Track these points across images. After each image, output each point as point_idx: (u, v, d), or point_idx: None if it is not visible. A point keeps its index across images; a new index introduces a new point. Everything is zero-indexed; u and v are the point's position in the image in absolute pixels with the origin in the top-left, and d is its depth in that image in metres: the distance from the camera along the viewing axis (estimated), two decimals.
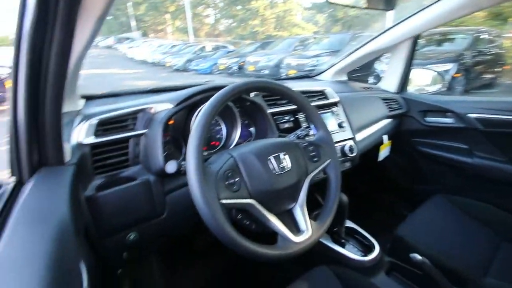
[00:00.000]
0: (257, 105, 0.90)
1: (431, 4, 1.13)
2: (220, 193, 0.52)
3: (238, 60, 9.58)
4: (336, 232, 1.02)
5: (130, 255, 0.70)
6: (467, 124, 1.24)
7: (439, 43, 6.11)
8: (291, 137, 0.81)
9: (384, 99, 1.37)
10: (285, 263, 1.24)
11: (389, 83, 1.50)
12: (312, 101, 1.08)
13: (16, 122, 0.49)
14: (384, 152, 1.36)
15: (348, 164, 1.09)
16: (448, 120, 1.31)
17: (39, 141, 0.52)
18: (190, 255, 1.25)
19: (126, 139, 0.70)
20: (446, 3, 1.10)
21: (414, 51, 1.39)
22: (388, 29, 1.32)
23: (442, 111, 1.33)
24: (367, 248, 0.98)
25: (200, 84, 1.27)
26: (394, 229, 1.03)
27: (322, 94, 1.12)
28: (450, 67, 5.00)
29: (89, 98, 1.04)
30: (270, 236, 0.60)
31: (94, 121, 0.67)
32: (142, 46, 16.52)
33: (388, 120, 1.38)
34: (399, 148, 1.52)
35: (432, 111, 1.37)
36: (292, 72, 7.29)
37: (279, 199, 0.60)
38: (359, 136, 1.16)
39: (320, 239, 0.99)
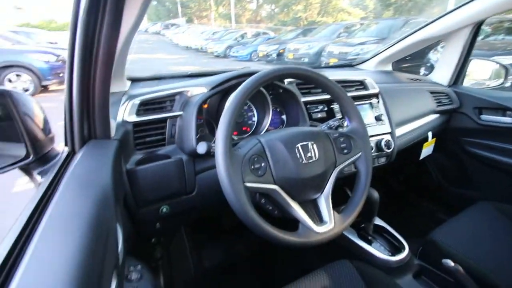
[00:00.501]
0: (290, 93, 0.89)
1: None
2: (245, 176, 0.53)
3: (278, 47, 9.41)
4: (363, 229, 0.99)
5: (162, 226, 0.76)
6: None
7: (510, 31, 5.30)
8: (322, 127, 0.79)
9: (432, 92, 1.25)
10: (308, 253, 1.24)
11: (441, 75, 1.36)
12: (350, 91, 1.03)
13: (71, 100, 0.56)
14: (426, 150, 1.25)
15: (383, 160, 1.03)
16: (507, 120, 1.15)
17: (89, 117, 0.58)
18: (218, 232, 1.32)
19: (164, 120, 0.75)
20: None
21: (474, 40, 1.23)
22: (445, 14, 1.19)
23: (502, 109, 1.17)
24: (395, 249, 0.93)
25: (234, 71, 1.30)
26: (428, 232, 0.97)
27: (361, 84, 1.06)
28: None
29: (134, 80, 1.13)
30: (292, 223, 0.61)
31: (137, 101, 0.72)
32: (186, 32, 17.08)
33: (435, 116, 1.26)
34: (445, 147, 1.39)
35: (489, 108, 1.21)
36: (333, 61, 6.97)
37: (304, 188, 0.60)
38: (399, 131, 1.09)
39: (346, 234, 0.98)
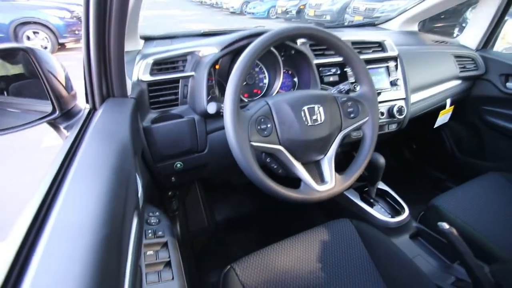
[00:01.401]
0: (303, 54, 0.87)
1: None
2: (252, 135, 0.57)
3: (298, 2, 8.74)
4: (366, 192, 1.03)
5: (177, 180, 0.83)
6: None
7: None
8: (333, 90, 0.78)
9: (457, 57, 1.17)
10: (312, 211, 1.32)
11: (470, 37, 1.26)
12: (367, 53, 0.99)
13: (90, 60, 0.58)
14: (442, 118, 1.22)
15: (394, 127, 1.02)
16: None
17: (106, 76, 0.61)
18: (228, 189, 1.42)
19: (177, 80, 0.77)
20: None
21: None
22: None
23: None
24: (395, 211, 0.98)
25: (248, 30, 1.25)
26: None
27: (379, 46, 1.01)
28: None
29: (147, 39, 1.12)
30: (296, 182, 0.65)
31: (150, 60, 0.74)
32: None
33: (457, 82, 1.20)
34: (464, 115, 1.34)
35: None
36: (358, 18, 6.43)
37: (308, 150, 0.63)
38: (415, 97, 1.06)
39: (349, 196, 1.03)
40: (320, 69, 0.90)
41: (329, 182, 0.64)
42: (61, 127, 0.65)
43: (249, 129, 0.56)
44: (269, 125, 0.59)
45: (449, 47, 1.21)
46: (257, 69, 0.91)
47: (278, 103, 0.62)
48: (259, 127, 0.58)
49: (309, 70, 0.89)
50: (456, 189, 1.03)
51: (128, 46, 0.93)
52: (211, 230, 1.30)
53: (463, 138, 1.42)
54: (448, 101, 1.19)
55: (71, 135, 0.54)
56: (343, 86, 0.78)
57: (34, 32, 4.71)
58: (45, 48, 4.72)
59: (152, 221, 0.62)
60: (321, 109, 0.63)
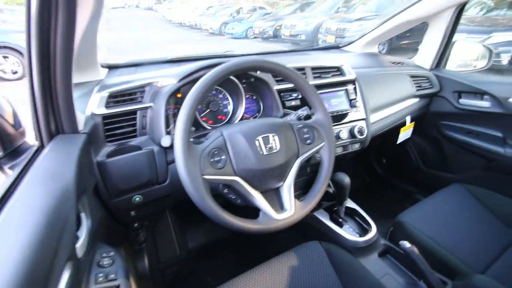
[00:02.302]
0: (263, 81, 0.90)
1: None
2: (204, 169, 0.56)
3: (275, 23, 9.10)
4: (335, 212, 1.04)
5: (137, 213, 0.80)
6: (505, 110, 1.10)
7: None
8: (292, 116, 0.80)
9: (413, 76, 1.25)
10: (284, 235, 1.31)
11: (424, 58, 1.35)
12: (327, 77, 1.03)
13: (34, 94, 0.57)
14: (404, 134, 1.28)
15: (357, 146, 1.06)
16: (484, 104, 1.17)
17: (54, 111, 0.60)
18: (201, 215, 1.38)
19: (134, 111, 0.76)
20: None
21: (457, 22, 1.21)
22: None
23: (480, 93, 1.18)
24: (364, 230, 0.99)
25: (217, 56, 1.28)
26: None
27: (338, 70, 1.06)
28: None
29: (112, 67, 1.12)
30: (256, 211, 0.65)
31: (105, 93, 0.73)
32: (180, 7, 16.38)
33: (415, 100, 1.27)
34: (425, 130, 1.42)
35: (468, 92, 1.22)
36: (331, 38, 6.77)
37: (265, 178, 0.63)
38: (375, 117, 1.10)
39: (319, 217, 1.03)
40: (282, 94, 0.93)
41: (289, 210, 0.64)
42: (6, 167, 0.62)
43: (202, 162, 0.56)
44: (223, 157, 0.59)
45: (405, 68, 1.29)
46: (220, 96, 0.93)
47: (232, 134, 0.62)
48: (212, 160, 0.58)
49: (271, 95, 0.91)
50: (421, 203, 1.06)
51: (87, 77, 0.92)
52: (183, 259, 1.24)
53: (426, 151, 1.49)
54: (408, 118, 1.25)
55: (11, 176, 0.52)
56: (301, 112, 0.80)
57: (4, 57, 4.56)
58: (15, 73, 4.58)
59: (104, 263, 0.59)
60: (276, 137, 0.64)
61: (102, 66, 1.06)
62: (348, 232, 0.97)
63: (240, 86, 0.88)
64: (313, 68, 1.01)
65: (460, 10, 1.17)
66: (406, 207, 1.06)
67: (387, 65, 1.30)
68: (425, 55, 1.34)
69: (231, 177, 0.59)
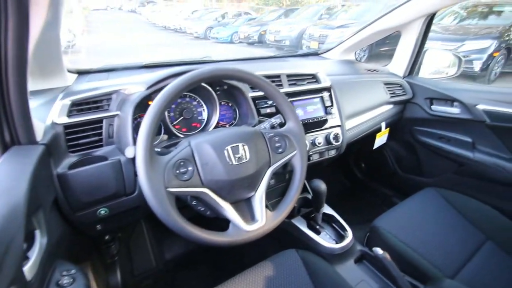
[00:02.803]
0: (237, 88, 0.89)
1: None
2: (169, 181, 0.54)
3: (259, 28, 9.18)
4: (313, 218, 1.03)
5: (105, 227, 0.76)
6: (473, 116, 1.15)
7: (484, 15, 5.43)
8: (265, 124, 0.80)
9: (387, 84, 1.28)
10: (263, 243, 1.29)
11: (397, 66, 1.39)
12: (302, 84, 1.04)
13: None
14: (380, 140, 1.30)
15: (333, 152, 1.07)
16: (454, 110, 1.22)
17: (8, 121, 0.56)
18: None
19: (100, 120, 0.72)
20: None
21: (427, 31, 1.26)
22: (400, 5, 1.20)
23: (450, 100, 1.23)
24: (340, 236, 0.99)
25: (194, 62, 1.25)
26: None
27: (313, 78, 1.07)
28: (489, 44, 4.48)
29: (82, 72, 1.07)
30: (227, 222, 0.63)
31: (68, 101, 0.69)
32: (164, 10, 16.20)
33: (389, 106, 1.30)
34: (400, 136, 1.46)
35: (439, 99, 1.27)
36: (314, 44, 6.91)
37: (235, 189, 0.61)
38: (351, 124, 1.12)
39: (297, 224, 1.02)
40: (257, 101, 0.92)
41: (260, 221, 0.63)
42: None
43: (166, 174, 0.54)
44: (189, 168, 0.57)
45: (379, 75, 1.32)
46: (194, 103, 0.91)
47: (200, 144, 0.60)
48: (178, 172, 0.56)
49: (246, 102, 0.90)
50: (396, 208, 1.08)
51: (52, 83, 0.87)
52: (159, 271, 1.20)
53: (402, 156, 1.53)
54: (383, 124, 1.28)
55: None
56: (274, 120, 0.80)
57: None
58: None
59: (64, 282, 0.55)
60: (245, 147, 0.63)
61: (71, 72, 1.02)
62: (324, 239, 0.97)
63: (214, 93, 0.86)
64: (288, 76, 1.01)
65: (430, 20, 1.21)
66: (385, 211, 1.08)
67: (363, 72, 1.33)
68: (398, 63, 1.38)
69: (199, 188, 0.57)
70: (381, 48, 6.38)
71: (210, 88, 0.85)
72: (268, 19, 10.21)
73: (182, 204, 0.61)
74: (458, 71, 1.41)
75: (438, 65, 1.47)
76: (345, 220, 1.07)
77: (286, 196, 0.68)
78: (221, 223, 0.64)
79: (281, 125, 0.78)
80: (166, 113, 0.83)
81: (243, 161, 0.62)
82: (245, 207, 0.64)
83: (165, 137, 0.83)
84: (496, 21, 5.09)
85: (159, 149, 0.63)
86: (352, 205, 1.67)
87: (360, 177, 1.80)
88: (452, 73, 1.46)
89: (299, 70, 1.05)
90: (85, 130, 0.71)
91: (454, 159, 1.27)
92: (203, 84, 0.84)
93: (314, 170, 1.12)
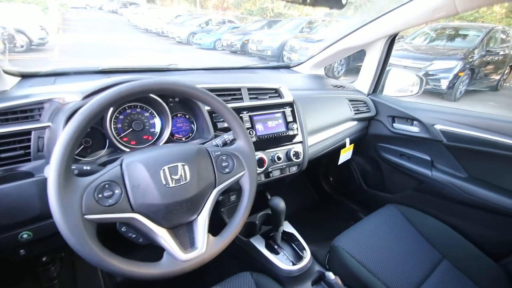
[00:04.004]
0: (192, 100, 0.84)
1: (406, 3, 1.03)
2: (88, 207, 0.48)
3: (242, 37, 9.24)
4: (271, 238, 1.00)
5: (29, 251, 0.68)
6: (431, 136, 1.18)
7: (451, 38, 5.83)
8: (217, 141, 0.75)
9: (351, 100, 1.30)
10: (224, 260, 1.24)
11: (362, 83, 1.42)
12: (264, 98, 1.02)
13: None
14: (344, 156, 1.31)
15: (295, 169, 1.04)
16: (414, 129, 1.25)
17: None
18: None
19: (28, 131, 0.65)
20: (422, 3, 1.00)
21: (390, 51, 1.29)
22: (363, 25, 1.22)
23: (410, 119, 1.26)
24: (299, 257, 0.96)
25: (158, 69, 1.20)
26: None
27: (275, 92, 1.05)
28: (455, 64, 4.80)
29: (26, 76, 0.98)
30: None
31: None
32: (146, 13, 15.91)
33: (353, 123, 1.31)
34: (365, 152, 1.47)
35: (400, 117, 1.30)
36: (295, 56, 7.05)
37: (171, 213, 0.56)
38: (313, 140, 1.11)
39: (255, 244, 0.98)
40: (214, 115, 0.88)
41: (199, 248, 0.58)
42: None
43: (84, 199, 0.48)
44: (116, 191, 0.51)
45: (345, 92, 1.33)
46: (146, 114, 0.85)
47: (132, 163, 0.55)
48: (100, 196, 0.50)
49: (202, 116, 0.86)
50: (356, 226, 1.08)
51: None
52: None
53: (368, 171, 1.54)
54: (347, 140, 1.28)
55: None
56: (227, 136, 0.76)
57: None
58: None
59: None
60: (186, 167, 0.58)
61: (12, 74, 0.93)
62: (282, 260, 0.93)
63: (165, 105, 0.81)
64: (250, 89, 0.99)
65: (391, 41, 1.25)
66: (351, 224, 1.07)
67: (328, 88, 1.33)
68: (363, 81, 1.41)
69: (127, 214, 0.52)
70: (358, 63, 6.66)
71: (160, 100, 0.80)
72: (251, 28, 10.32)
73: (110, 231, 0.55)
74: (420, 90, 1.46)
75: (402, 84, 1.52)
76: (307, 238, 1.04)
77: (232, 220, 0.64)
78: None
79: (233, 142, 0.75)
80: (111, 124, 0.77)
81: (181, 183, 0.57)
82: (185, 233, 0.59)
83: (102, 152, 0.75)
84: (461, 43, 5.48)
85: (88, 168, 0.56)
86: (317, 219, 1.66)
87: (327, 190, 1.80)
88: (415, 91, 1.51)
89: (262, 84, 1.02)
90: (10, 143, 0.63)
91: (414, 177, 1.29)
92: (152, 95, 0.79)
93: (282, 181, 1.09)
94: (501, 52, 5.71)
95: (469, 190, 1.12)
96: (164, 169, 0.55)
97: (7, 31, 6.08)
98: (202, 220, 0.60)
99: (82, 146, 0.74)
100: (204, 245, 0.58)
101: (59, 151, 0.46)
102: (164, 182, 0.55)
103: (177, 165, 0.57)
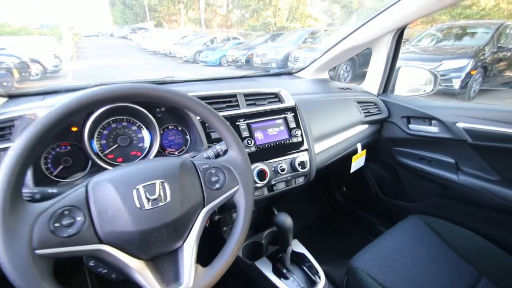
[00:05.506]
0: (183, 110, 0.77)
1: None
2: (40, 240, 0.39)
3: (247, 52, 9.37)
4: (279, 260, 0.88)
5: None
6: (454, 135, 1.05)
7: (459, 37, 5.67)
8: (209, 152, 0.67)
9: (360, 102, 1.19)
10: (228, 285, 1.12)
11: (371, 83, 1.31)
12: (262, 104, 0.93)
13: None
14: (357, 163, 1.19)
15: (301, 180, 0.94)
16: (433, 129, 1.12)
17: None
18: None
19: None
20: None
21: (398, 47, 1.19)
22: (368, 21, 1.14)
23: (428, 118, 1.14)
24: (312, 282, 0.84)
25: (154, 82, 1.14)
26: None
27: (276, 97, 0.96)
28: (466, 63, 4.61)
29: (14, 96, 0.95)
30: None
31: None
32: (154, 36, 16.54)
33: (364, 126, 1.20)
34: (379, 157, 1.35)
35: (416, 117, 1.18)
36: (300, 66, 7.04)
37: (149, 242, 0.46)
38: (321, 147, 1.00)
39: (260, 268, 0.86)
40: (207, 124, 0.80)
41: (185, 283, 0.47)
42: None
43: (36, 231, 0.39)
44: (78, 218, 0.43)
45: (352, 94, 1.23)
46: (134, 128, 0.78)
47: (99, 184, 0.46)
48: (57, 225, 0.41)
49: (195, 126, 0.78)
50: (377, 242, 0.95)
51: None
52: None
53: (384, 179, 1.41)
54: (359, 146, 1.17)
55: None
56: (219, 147, 0.67)
57: None
58: None
59: None
60: (166, 184, 0.49)
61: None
62: (291, 287, 0.81)
63: (151, 116, 0.74)
64: (246, 95, 0.90)
65: (399, 35, 1.15)
66: (370, 240, 0.95)
67: (334, 91, 1.24)
68: (371, 81, 1.31)
69: (92, 246, 0.42)
70: (364, 69, 6.55)
71: (144, 111, 0.73)
72: (255, 43, 10.47)
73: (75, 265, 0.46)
74: (434, 88, 1.34)
75: (414, 83, 1.40)
76: (320, 258, 0.91)
77: (226, 246, 0.53)
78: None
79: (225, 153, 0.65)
80: (93, 140, 0.70)
81: (160, 204, 0.47)
82: (167, 264, 0.49)
83: (81, 174, 0.68)
84: (470, 41, 5.31)
85: (54, 190, 0.48)
86: (332, 235, 1.52)
87: (341, 202, 1.66)
88: (428, 90, 1.39)
89: (259, 88, 0.94)
90: None
91: (438, 182, 1.16)
92: (133, 105, 0.71)
93: (290, 195, 0.99)
94: None
95: (502, 194, 0.97)
96: (138, 188, 0.46)
97: (22, 61, 6.39)
98: (188, 248, 0.50)
99: (62, 166, 0.67)
100: (191, 279, 0.48)
101: (4, 171, 0.38)
102: (137, 205, 0.46)
103: (155, 183, 0.48)
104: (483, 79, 5.02)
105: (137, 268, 0.45)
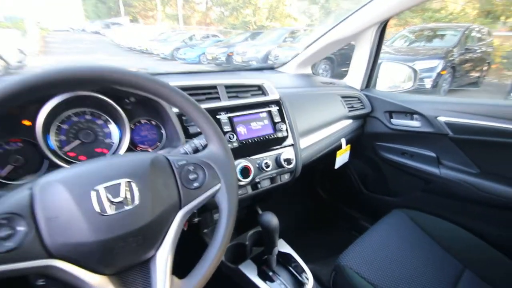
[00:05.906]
0: (156, 101, 0.69)
1: None
2: None
3: (227, 50, 9.24)
4: (265, 262, 0.83)
5: None
6: (435, 129, 1.06)
7: (429, 38, 5.97)
8: (186, 147, 0.60)
9: (344, 97, 1.17)
10: None
11: (354, 78, 1.30)
12: (245, 97, 0.87)
13: None
14: (341, 158, 1.16)
15: (287, 177, 0.89)
16: (415, 124, 1.12)
17: None
18: None
19: None
20: None
21: (381, 42, 1.19)
22: (350, 14, 1.11)
23: (409, 113, 1.14)
24: (300, 284, 0.79)
25: None
26: (348, 245, 0.89)
27: (259, 89, 0.91)
28: (437, 63, 4.85)
29: None
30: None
31: None
32: (130, 32, 15.86)
33: (348, 121, 1.18)
34: (362, 152, 1.34)
35: (398, 112, 1.18)
36: None
37: (113, 253, 0.39)
38: (305, 142, 0.96)
39: (244, 272, 0.81)
40: (184, 117, 0.73)
41: None
42: None
43: None
44: (19, 228, 0.34)
45: (336, 88, 1.21)
46: (100, 122, 0.68)
47: (48, 186, 0.38)
48: None
49: (170, 120, 0.71)
50: (362, 239, 0.93)
51: None
52: None
53: (367, 174, 1.41)
54: (343, 141, 1.14)
55: None
56: (198, 141, 0.60)
57: None
58: None
59: None
60: (133, 185, 0.41)
61: None
62: None
63: (118, 108, 0.65)
64: (227, 86, 0.84)
65: (382, 29, 1.14)
66: (355, 236, 0.94)
67: (318, 85, 1.21)
68: (354, 76, 1.29)
69: (39, 261, 0.34)
70: (343, 68, 6.70)
71: (111, 102, 0.64)
72: (235, 41, 10.36)
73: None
74: (414, 83, 1.36)
75: (394, 79, 1.41)
76: (306, 257, 0.87)
77: (206, 253, 0.47)
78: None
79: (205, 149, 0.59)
80: (48, 136, 0.60)
81: (126, 208, 0.40)
82: (137, 278, 0.42)
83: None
84: (440, 43, 5.59)
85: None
86: (316, 233, 1.50)
87: (325, 198, 1.64)
88: (408, 86, 1.40)
89: (241, 80, 0.88)
90: None
91: (420, 176, 1.16)
92: (98, 95, 0.63)
93: (274, 193, 0.95)
94: (478, 50, 5.85)
95: (482, 186, 0.99)
96: (97, 189, 0.39)
97: None
98: (162, 258, 0.43)
99: (11, 166, 0.57)
100: None
101: None
102: (97, 209, 0.38)
103: (119, 183, 0.40)
104: (452, 79, 5.31)
105: (98, 285, 0.38)
